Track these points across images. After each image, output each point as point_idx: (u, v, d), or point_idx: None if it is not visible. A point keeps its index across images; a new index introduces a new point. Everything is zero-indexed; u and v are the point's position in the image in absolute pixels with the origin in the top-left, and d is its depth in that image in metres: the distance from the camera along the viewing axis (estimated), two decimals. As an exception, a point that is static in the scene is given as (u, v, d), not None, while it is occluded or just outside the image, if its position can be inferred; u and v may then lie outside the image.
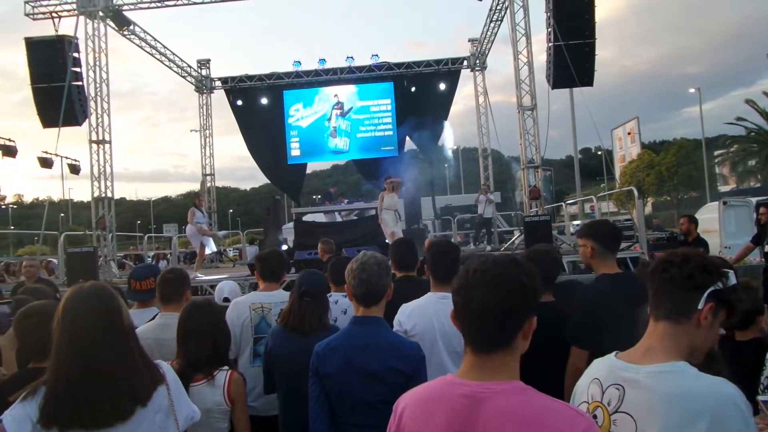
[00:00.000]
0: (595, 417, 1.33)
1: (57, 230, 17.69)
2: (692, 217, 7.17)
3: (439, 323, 2.43)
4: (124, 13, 12.41)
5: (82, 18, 11.43)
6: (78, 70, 11.40)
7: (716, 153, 33.78)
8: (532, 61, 10.80)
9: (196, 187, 50.67)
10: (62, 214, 43.74)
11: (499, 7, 13.21)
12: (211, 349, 2.27)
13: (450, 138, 19.52)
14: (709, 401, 1.17)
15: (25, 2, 11.86)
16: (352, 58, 15.61)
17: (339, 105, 16.00)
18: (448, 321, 2.40)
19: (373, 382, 1.93)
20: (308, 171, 18.45)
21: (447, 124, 16.53)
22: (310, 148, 16.27)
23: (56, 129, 10.94)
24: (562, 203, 17.36)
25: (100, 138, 11.48)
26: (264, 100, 16.02)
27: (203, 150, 16.49)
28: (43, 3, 11.88)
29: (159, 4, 12.39)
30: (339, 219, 13.06)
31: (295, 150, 16.25)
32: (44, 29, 11.79)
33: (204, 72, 16.52)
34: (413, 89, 15.62)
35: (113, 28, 12.42)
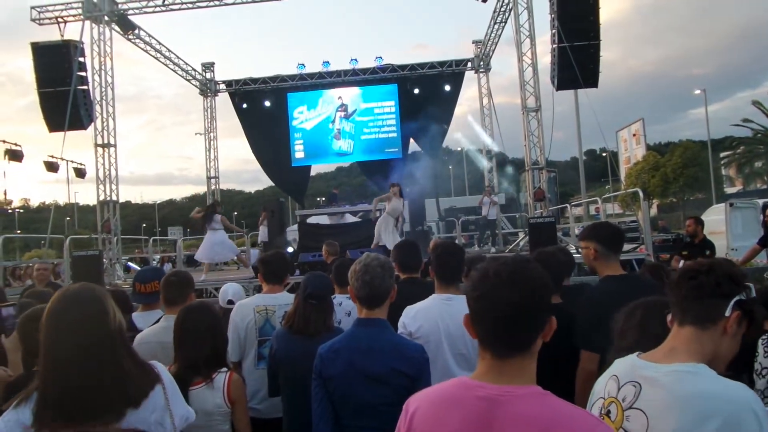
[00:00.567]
0: (609, 412, 1.34)
1: (63, 234, 17.77)
2: (698, 218, 7.04)
3: (444, 325, 2.41)
4: (129, 17, 12.51)
5: (87, 23, 11.55)
6: (83, 74, 11.49)
7: (722, 154, 33.57)
8: (537, 62, 10.81)
9: (200, 190, 50.82)
10: (68, 218, 43.89)
11: (503, 9, 13.21)
12: (209, 350, 2.26)
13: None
14: (724, 403, 1.17)
15: (32, 8, 11.98)
16: (355, 60, 15.62)
17: (343, 107, 16.00)
18: (453, 323, 2.42)
19: (377, 385, 1.91)
20: (312, 173, 18.49)
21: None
22: (314, 150, 16.29)
23: (62, 133, 11.05)
24: (567, 205, 17.33)
25: (106, 142, 11.57)
26: (268, 103, 16.04)
27: (208, 153, 16.56)
28: (49, 8, 11.98)
29: (163, 9, 12.46)
30: (350, 218, 12.96)
31: (299, 152, 16.27)
32: (50, 34, 11.89)
33: (208, 75, 16.59)
34: (417, 91, 15.59)
35: (118, 33, 12.52)
